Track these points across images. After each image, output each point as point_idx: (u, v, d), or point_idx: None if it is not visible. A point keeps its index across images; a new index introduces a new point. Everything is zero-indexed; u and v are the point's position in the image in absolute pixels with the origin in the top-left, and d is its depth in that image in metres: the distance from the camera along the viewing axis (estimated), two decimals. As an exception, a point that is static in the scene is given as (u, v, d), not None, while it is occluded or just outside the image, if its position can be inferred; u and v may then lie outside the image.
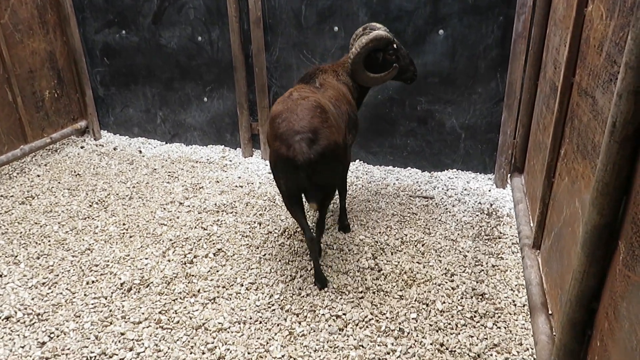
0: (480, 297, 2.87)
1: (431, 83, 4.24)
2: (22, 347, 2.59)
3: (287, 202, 2.93)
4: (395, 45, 3.39)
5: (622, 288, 1.42)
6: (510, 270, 3.10)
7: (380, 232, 3.57)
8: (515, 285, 2.96)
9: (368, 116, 4.54)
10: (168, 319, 2.77)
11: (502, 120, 4.05)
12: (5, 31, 4.53)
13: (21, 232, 3.70)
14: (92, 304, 2.92)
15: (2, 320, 2.79)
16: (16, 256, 3.40)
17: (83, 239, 3.60)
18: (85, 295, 3.00)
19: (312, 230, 2.94)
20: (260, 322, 2.72)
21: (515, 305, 2.79)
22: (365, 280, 3.03)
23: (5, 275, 3.20)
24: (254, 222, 3.77)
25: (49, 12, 5.00)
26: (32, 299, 2.96)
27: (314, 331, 2.64)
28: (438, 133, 4.42)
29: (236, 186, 4.40)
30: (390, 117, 4.49)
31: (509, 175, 4.19)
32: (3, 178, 4.65)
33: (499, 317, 2.71)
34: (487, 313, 2.73)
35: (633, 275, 1.35)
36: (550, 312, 2.40)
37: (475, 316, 2.71)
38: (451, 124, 4.34)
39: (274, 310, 2.81)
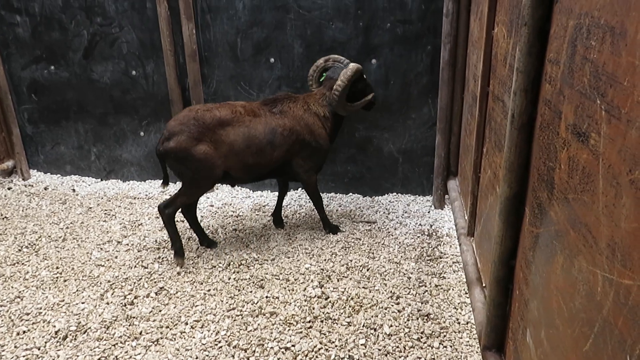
0: (426, 317, 2.92)
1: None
2: (-56, 411, 2.38)
3: None
4: (364, 75, 3.80)
5: (529, 241, 1.77)
6: (453, 289, 3.19)
7: (325, 260, 3.58)
8: (459, 303, 3.05)
9: (308, 145, 4.60)
10: (108, 366, 2.63)
11: (436, 143, 4.22)
12: None
13: (-59, 284, 3.42)
14: (24, 356, 2.72)
15: None
16: None
17: (12, 287, 3.37)
18: (15, 347, 2.79)
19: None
20: (207, 361, 2.64)
21: (459, 323, 2.87)
22: (313, 309, 3.02)
23: None
24: (197, 257, 3.69)
25: (-30, 49, 4.76)
26: (-45, 356, 2.73)
27: (263, 365, 2.59)
28: (377, 158, 4.53)
29: (177, 221, 4.28)
30: (330, 144, 4.56)
31: (446, 196, 4.36)
32: None
33: (445, 336, 2.77)
34: (433, 333, 2.78)
35: (535, 229, 1.70)
36: (484, 284, 2.67)
37: (422, 337, 2.76)
38: (389, 149, 4.47)
39: (221, 347, 2.74)
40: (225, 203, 4.63)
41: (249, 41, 4.40)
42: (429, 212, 4.31)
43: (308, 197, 4.67)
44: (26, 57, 5.01)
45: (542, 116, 1.67)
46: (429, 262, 3.53)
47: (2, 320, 3.02)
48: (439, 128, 4.16)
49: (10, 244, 3.95)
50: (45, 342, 2.82)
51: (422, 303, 3.06)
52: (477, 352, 2.62)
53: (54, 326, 2.94)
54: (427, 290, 3.19)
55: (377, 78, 4.25)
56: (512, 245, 1.95)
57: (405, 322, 2.88)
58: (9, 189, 5.12)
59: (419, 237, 3.89)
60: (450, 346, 2.69)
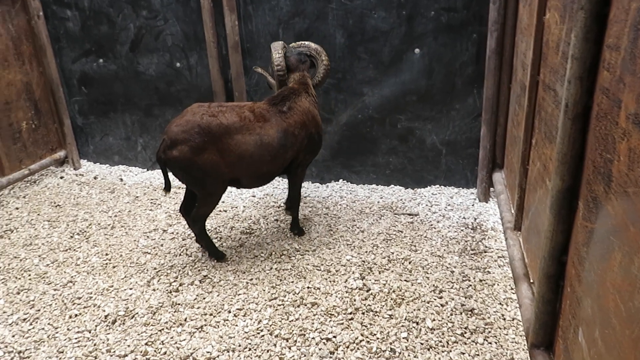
0: (470, 312, 2.86)
1: (410, 101, 4.30)
2: (3, 388, 2.51)
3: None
4: None
5: (582, 237, 1.69)
6: (498, 284, 3.11)
7: (366, 252, 3.56)
8: (504, 299, 2.97)
9: (349, 135, 4.57)
10: (155, 351, 2.71)
11: (481, 135, 4.11)
12: (-20, 64, 4.48)
13: (0, 267, 3.60)
14: (76, 338, 2.84)
15: (-18, 360, 2.70)
16: (-5, 293, 3.31)
17: (65, 272, 3.52)
18: (68, 329, 2.92)
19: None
20: (250, 349, 2.68)
21: (504, 319, 2.80)
22: (354, 300, 3.01)
23: (-16, 313, 3.10)
24: (239, 247, 3.74)
25: (25, 43, 4.96)
26: (13, 336, 2.88)
27: (305, 356, 2.61)
28: (419, 150, 4.46)
29: (220, 210, 4.36)
30: (371, 135, 4.52)
31: (491, 189, 4.24)
32: (-20, 212, 4.55)
33: (489, 332, 2.71)
34: (477, 329, 2.73)
35: (590, 224, 1.63)
36: (531, 280, 2.60)
37: (465, 332, 2.71)
38: (431, 141, 4.39)
39: (263, 336, 2.77)
40: (266, 194, 4.67)
41: (290, 32, 4.40)
42: (473, 205, 4.21)
43: (348, 189, 4.65)
44: (76, 50, 5.19)
45: (598, 105, 1.59)
46: (473, 256, 3.46)
47: (55, 304, 3.16)
48: (484, 119, 4.04)
49: (62, 231, 4.12)
50: (96, 326, 2.93)
51: (465, 298, 3.00)
52: (523, 350, 2.55)
53: (104, 310, 3.05)
54: (471, 285, 3.12)
55: (420, 68, 4.17)
56: (564, 240, 1.87)
57: (448, 317, 2.83)
58: (61, 177, 5.34)
59: (462, 230, 3.81)
60: (495, 342, 2.63)
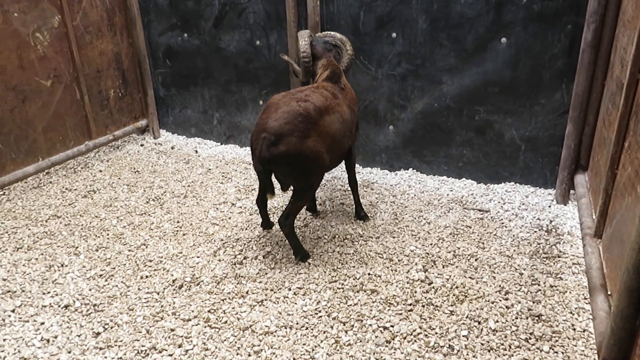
0: (537, 318, 2.73)
1: (491, 92, 4.11)
2: (79, 336, 2.70)
3: (257, 176, 3.38)
4: None
5: None
6: (570, 292, 2.94)
7: (431, 244, 3.48)
8: (575, 308, 2.80)
9: (423, 124, 4.45)
10: (216, 319, 2.80)
11: (566, 133, 3.86)
12: (76, 33, 4.76)
13: (82, 225, 3.86)
14: (145, 298, 3.00)
15: (62, 308, 2.92)
16: (77, 247, 3.55)
17: (139, 234, 3.71)
18: (139, 289, 3.09)
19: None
20: (307, 328, 2.71)
21: (574, 329, 2.64)
22: (415, 292, 2.96)
23: (66, 265, 3.34)
24: (304, 227, 3.77)
25: (117, 15, 5.22)
26: (90, 289, 3.08)
27: (361, 341, 2.60)
28: (496, 144, 4.27)
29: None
30: (446, 126, 4.38)
31: (571, 191, 4.00)
32: (68, 172, 4.89)
33: (557, 341, 2.57)
34: (544, 336, 2.59)
35: None
36: (609, 292, 2.46)
37: (530, 338, 2.59)
38: (511, 135, 4.19)
39: (320, 317, 2.79)
40: (334, 176, 4.67)
41: (371, 15, 4.32)
42: (549, 206, 3.99)
43: (417, 178, 4.54)
44: (163, 24, 5.39)
45: None
46: (545, 259, 3.29)
47: (129, 264, 3.35)
48: (571, 116, 3.79)
49: (139, 196, 4.35)
50: (164, 289, 3.08)
51: (533, 302, 2.86)
52: (591, 319, 2.41)
53: (172, 275, 3.20)
54: (540, 290, 2.97)
55: (505, 59, 3.96)
56: None
57: (513, 320, 2.72)
58: (141, 145, 5.62)
59: (535, 232, 3.63)
60: (562, 352, 2.49)
